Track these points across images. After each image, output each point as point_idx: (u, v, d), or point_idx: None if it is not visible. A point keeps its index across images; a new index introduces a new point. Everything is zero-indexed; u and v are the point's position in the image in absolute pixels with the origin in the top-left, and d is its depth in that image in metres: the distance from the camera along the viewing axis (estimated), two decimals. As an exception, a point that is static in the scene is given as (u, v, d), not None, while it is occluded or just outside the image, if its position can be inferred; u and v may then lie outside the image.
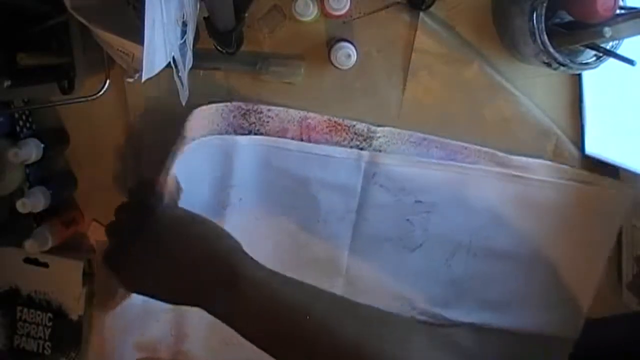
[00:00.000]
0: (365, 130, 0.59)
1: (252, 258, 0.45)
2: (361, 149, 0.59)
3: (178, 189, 0.52)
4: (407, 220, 0.61)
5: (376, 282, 0.62)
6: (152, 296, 0.46)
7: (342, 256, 0.61)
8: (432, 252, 0.62)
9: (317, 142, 0.58)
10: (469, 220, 0.61)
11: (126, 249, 0.46)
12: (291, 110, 0.58)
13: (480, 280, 0.63)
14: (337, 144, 0.59)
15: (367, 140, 0.59)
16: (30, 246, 0.56)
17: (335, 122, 0.58)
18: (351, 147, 0.59)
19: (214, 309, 0.43)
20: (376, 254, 0.61)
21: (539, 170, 0.60)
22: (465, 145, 0.59)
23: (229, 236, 0.47)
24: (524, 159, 0.60)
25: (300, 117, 0.58)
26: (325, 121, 0.58)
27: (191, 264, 0.44)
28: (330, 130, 0.58)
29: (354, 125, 0.58)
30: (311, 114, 0.58)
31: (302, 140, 0.58)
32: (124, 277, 0.47)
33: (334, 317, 0.41)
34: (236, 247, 0.46)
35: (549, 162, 0.60)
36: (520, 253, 0.62)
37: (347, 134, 0.59)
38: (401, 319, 0.52)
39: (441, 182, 0.59)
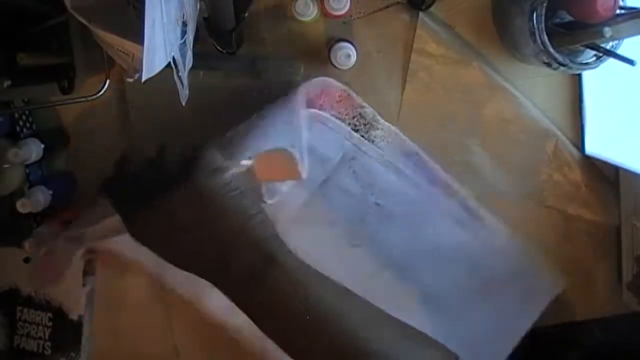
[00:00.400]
0: (371, 116, 0.59)
1: (289, 248, 0.42)
2: (357, 130, 0.59)
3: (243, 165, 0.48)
4: (362, 217, 0.60)
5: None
6: (159, 254, 0.42)
7: (281, 218, 0.59)
8: (367, 257, 0.61)
9: (323, 106, 0.58)
10: (413, 244, 0.61)
11: (155, 191, 0.41)
12: (332, 80, 0.57)
13: (392, 307, 0.62)
14: (340, 114, 0.58)
15: (366, 126, 0.59)
16: (30, 246, 0.56)
17: (348, 94, 0.58)
18: (349, 124, 0.59)
19: (233, 290, 0.40)
20: (316, 233, 0.60)
21: (497, 235, 0.61)
22: (450, 179, 0.60)
23: (269, 220, 0.43)
24: (493, 220, 0.61)
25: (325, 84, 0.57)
26: (341, 90, 0.58)
27: (224, 237, 0.41)
28: (340, 100, 0.58)
29: (363, 108, 0.58)
30: (337, 83, 0.57)
31: (313, 106, 0.57)
32: (135, 222, 0.42)
33: (368, 330, 0.40)
34: (275, 232, 0.43)
35: (509, 235, 0.61)
36: (439, 301, 0.62)
37: (352, 110, 0.58)
38: (442, 345, 0.50)
39: (408, 198, 0.60)
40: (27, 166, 0.57)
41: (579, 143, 0.61)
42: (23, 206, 0.54)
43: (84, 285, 0.61)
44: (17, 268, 0.60)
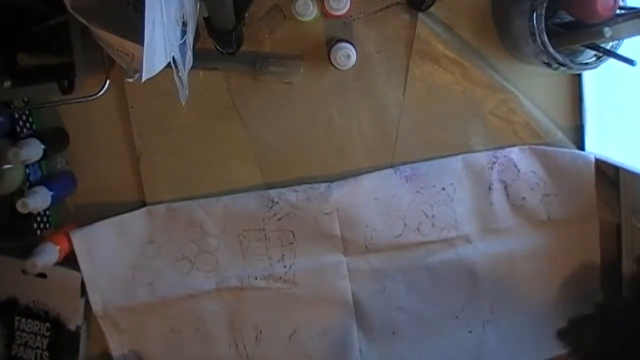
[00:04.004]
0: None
1: None
2: None
3: None
4: None
5: None
6: None
7: None
8: None
9: None
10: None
11: None
12: None
13: None
14: None
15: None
16: (31, 266, 0.54)
17: None
18: None
19: None
20: None
21: None
22: None
23: None
24: None
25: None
26: None
27: None
28: None
29: None
30: None
31: None
32: None
33: None
34: None
35: None
36: None
37: None
38: None
39: None
40: (27, 166, 0.57)
41: (579, 143, 0.61)
42: (23, 206, 0.54)
43: (82, 295, 0.61)
44: (16, 278, 0.60)
